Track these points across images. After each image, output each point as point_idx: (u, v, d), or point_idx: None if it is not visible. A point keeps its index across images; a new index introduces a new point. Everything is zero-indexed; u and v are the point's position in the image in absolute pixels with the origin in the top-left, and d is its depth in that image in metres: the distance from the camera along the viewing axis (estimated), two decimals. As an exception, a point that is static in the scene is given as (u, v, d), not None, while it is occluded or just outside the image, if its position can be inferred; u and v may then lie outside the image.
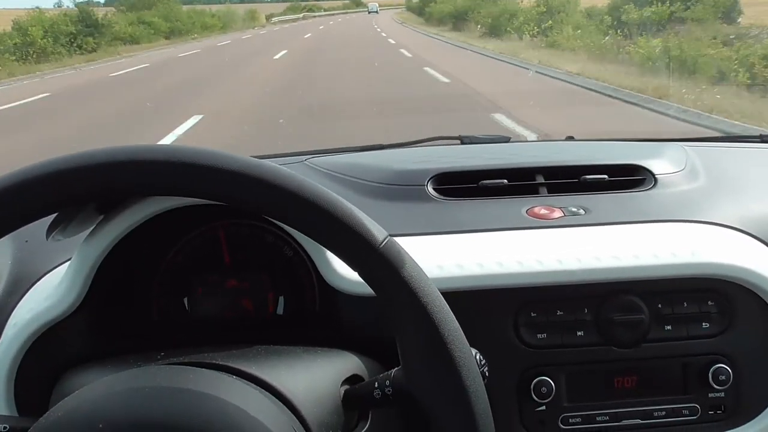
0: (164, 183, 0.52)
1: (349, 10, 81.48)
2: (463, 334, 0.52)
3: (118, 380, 0.52)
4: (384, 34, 23.96)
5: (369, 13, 62.87)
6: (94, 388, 0.51)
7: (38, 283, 0.77)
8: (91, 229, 0.67)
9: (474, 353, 0.54)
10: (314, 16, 59.30)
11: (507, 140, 1.22)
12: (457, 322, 0.53)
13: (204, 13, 33.58)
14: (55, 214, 0.59)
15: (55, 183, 0.51)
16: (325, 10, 71.56)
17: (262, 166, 0.52)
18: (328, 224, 0.51)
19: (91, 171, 0.51)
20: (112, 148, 0.52)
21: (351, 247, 0.52)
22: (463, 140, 1.21)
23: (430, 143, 1.24)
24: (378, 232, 0.52)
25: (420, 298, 0.51)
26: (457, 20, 23.45)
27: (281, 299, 0.79)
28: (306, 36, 25.14)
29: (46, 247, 0.73)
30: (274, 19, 44.79)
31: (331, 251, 0.53)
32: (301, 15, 53.90)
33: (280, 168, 0.52)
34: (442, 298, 0.53)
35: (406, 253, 0.53)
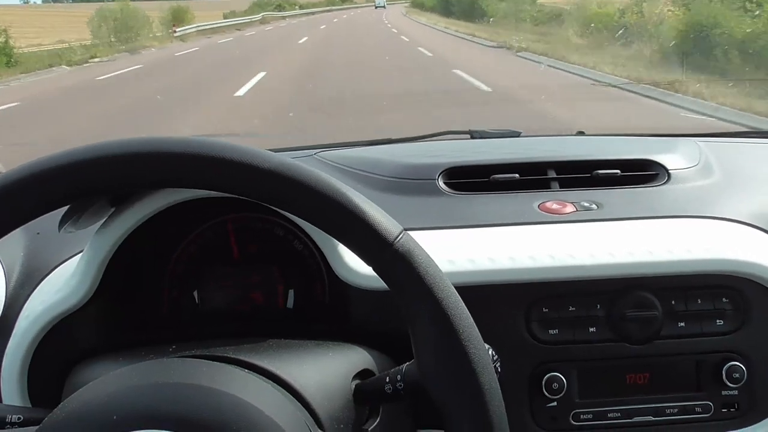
0: (186, 176, 0.52)
1: (333, 7, 57.78)
2: (477, 330, 0.52)
3: (133, 373, 0.52)
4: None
5: (376, 8, 56.67)
6: (109, 381, 0.52)
7: (50, 275, 0.78)
8: (103, 221, 0.67)
9: (486, 348, 0.54)
10: (284, 17, 39.12)
11: (518, 134, 1.21)
12: (471, 318, 0.52)
13: None
14: (66, 206, 0.59)
15: (89, 171, 0.51)
16: (300, 7, 49.80)
17: (278, 159, 0.52)
18: (342, 218, 0.51)
19: (134, 160, 0.52)
20: (146, 139, 0.52)
21: (365, 241, 0.51)
22: (473, 134, 1.20)
23: (440, 137, 1.24)
24: (393, 226, 0.52)
25: (435, 293, 0.51)
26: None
27: (291, 292, 0.79)
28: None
29: (58, 239, 0.73)
30: (179, 32, 21.27)
31: (345, 245, 0.53)
32: (259, 16, 33.28)
33: (294, 162, 0.52)
34: (457, 294, 0.52)
35: (421, 248, 0.53)
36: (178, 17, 24.28)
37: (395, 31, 22.49)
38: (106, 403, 0.48)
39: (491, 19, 20.36)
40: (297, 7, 50.00)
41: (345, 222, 0.51)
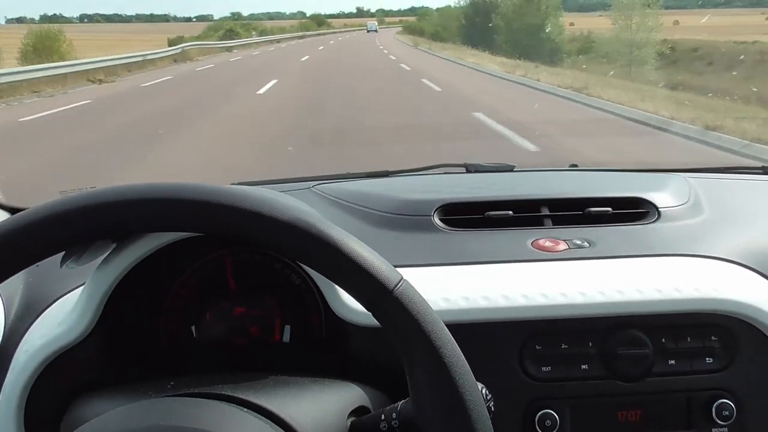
0: (193, 223, 0.54)
1: (308, 33, 43.67)
2: (473, 376, 0.53)
3: (134, 413, 0.53)
4: None
5: (368, 32, 53.08)
6: (110, 420, 0.52)
7: (49, 308, 0.78)
8: (104, 257, 0.68)
9: (480, 388, 0.55)
10: (229, 48, 28.56)
11: (511, 169, 1.23)
12: (467, 364, 0.54)
13: None
14: None
15: (99, 214, 0.53)
16: (261, 33, 36.98)
17: (277, 204, 0.53)
18: (342, 264, 0.53)
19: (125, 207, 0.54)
20: (158, 185, 0.54)
21: (365, 288, 0.53)
22: (468, 168, 1.22)
23: (435, 171, 1.25)
24: (392, 274, 0.54)
25: (433, 341, 0.52)
26: None
27: (287, 327, 0.79)
28: None
29: (57, 272, 0.74)
30: None
31: (345, 291, 0.55)
32: (176, 49, 22.46)
33: (294, 207, 0.54)
34: (454, 342, 0.54)
35: (419, 295, 0.54)
36: (41, 48, 14.35)
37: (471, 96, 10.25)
38: None
39: (576, 59, 12.50)
40: (255, 32, 35.80)
41: (344, 268, 0.53)
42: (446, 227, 0.91)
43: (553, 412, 0.74)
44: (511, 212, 0.92)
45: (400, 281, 0.53)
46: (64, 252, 0.63)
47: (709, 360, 0.76)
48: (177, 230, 0.55)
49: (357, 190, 1.04)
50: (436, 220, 0.91)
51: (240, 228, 0.53)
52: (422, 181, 1.19)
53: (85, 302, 0.68)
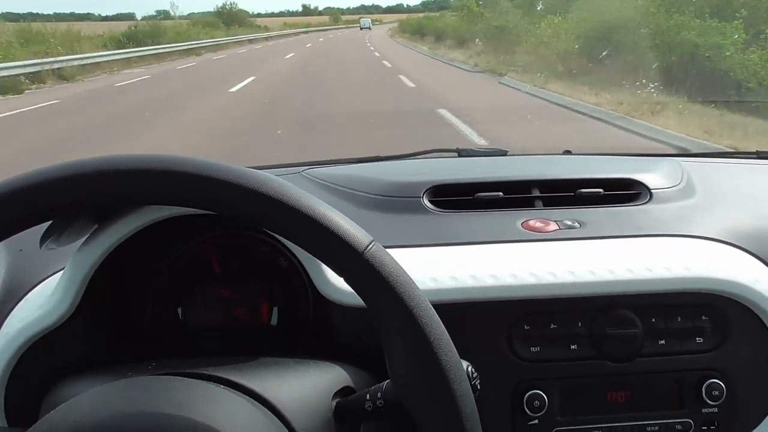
0: (153, 191, 0.52)
1: (139, 52, 19.81)
2: (449, 337, 0.52)
3: (107, 394, 0.52)
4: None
5: (361, 29, 53.16)
6: (82, 402, 0.51)
7: (31, 292, 0.77)
8: (85, 238, 0.67)
9: (466, 366, 0.54)
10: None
11: (504, 153, 1.22)
12: (442, 325, 0.52)
13: None
14: (48, 223, 0.59)
15: (71, 187, 0.51)
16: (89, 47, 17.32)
17: (245, 173, 0.51)
18: (312, 230, 0.51)
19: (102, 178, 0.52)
20: (125, 156, 0.52)
21: (336, 252, 0.51)
22: (460, 153, 1.22)
23: (426, 155, 1.25)
24: (363, 236, 0.52)
25: (405, 301, 0.51)
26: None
27: (275, 310, 0.78)
28: None
29: (41, 256, 0.73)
30: None
31: (317, 257, 0.53)
32: None
33: (262, 174, 0.52)
34: (428, 302, 0.52)
35: (392, 257, 0.53)
36: None
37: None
38: (77, 426, 0.48)
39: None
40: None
41: (315, 233, 0.51)
42: (435, 209, 0.90)
43: (541, 393, 0.73)
44: (501, 193, 0.91)
45: (370, 243, 0.52)
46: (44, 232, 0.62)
47: (699, 340, 0.76)
48: (141, 201, 0.53)
49: (347, 174, 1.04)
50: (426, 201, 0.91)
51: (201, 195, 0.51)
52: (413, 164, 1.18)
53: (66, 284, 0.67)
